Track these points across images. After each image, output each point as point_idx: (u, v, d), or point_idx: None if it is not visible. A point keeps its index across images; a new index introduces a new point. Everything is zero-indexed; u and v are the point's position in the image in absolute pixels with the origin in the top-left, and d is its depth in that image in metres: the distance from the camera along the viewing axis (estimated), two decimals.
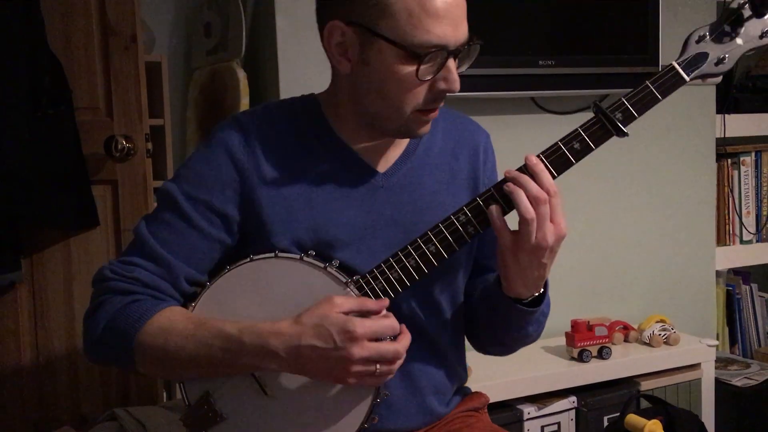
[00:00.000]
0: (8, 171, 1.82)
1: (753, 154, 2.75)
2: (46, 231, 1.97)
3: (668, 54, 2.36)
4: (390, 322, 1.11)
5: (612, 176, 2.45)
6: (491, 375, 2.04)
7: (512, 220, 1.16)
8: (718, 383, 2.37)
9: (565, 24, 2.22)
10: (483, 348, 1.39)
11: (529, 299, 1.22)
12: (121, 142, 1.94)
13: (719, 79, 1.24)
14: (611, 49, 2.25)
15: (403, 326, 1.15)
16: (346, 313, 1.09)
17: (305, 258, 1.16)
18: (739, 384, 2.42)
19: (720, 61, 1.19)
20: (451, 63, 1.14)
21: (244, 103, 2.05)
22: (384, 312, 1.13)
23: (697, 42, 1.19)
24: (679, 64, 1.18)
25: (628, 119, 1.17)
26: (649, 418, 1.94)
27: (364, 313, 1.11)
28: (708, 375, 2.30)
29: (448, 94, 1.16)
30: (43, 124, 1.87)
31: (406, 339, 1.13)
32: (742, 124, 2.73)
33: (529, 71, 2.13)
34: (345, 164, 1.23)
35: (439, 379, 1.31)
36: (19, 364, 1.99)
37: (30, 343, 1.99)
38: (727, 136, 2.67)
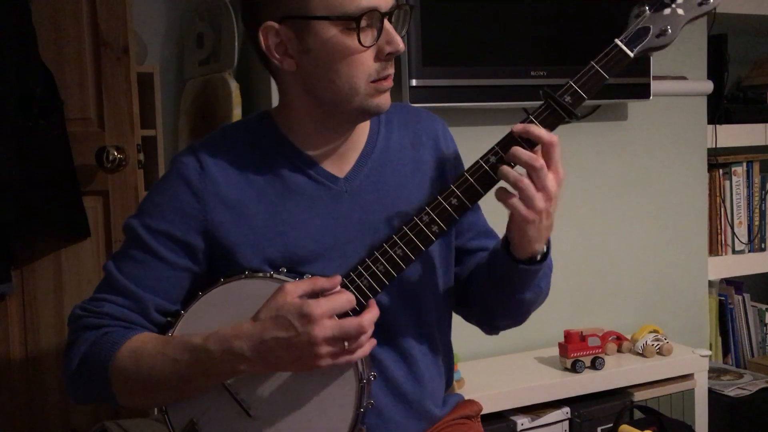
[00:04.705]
0: None
1: (744, 164, 2.76)
2: (36, 242, 1.96)
3: (659, 64, 2.37)
4: (345, 296, 1.12)
5: (604, 186, 2.46)
6: (484, 386, 2.03)
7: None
8: (711, 393, 2.37)
9: (556, 34, 2.22)
10: (496, 326, 1.37)
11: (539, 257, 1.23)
12: (113, 152, 1.94)
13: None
14: None
15: (371, 301, 1.15)
16: (301, 297, 1.10)
17: (275, 275, 1.16)
18: (732, 394, 2.42)
19: (662, 33, 1.18)
20: (389, 25, 1.15)
21: (236, 114, 2.05)
22: (338, 288, 1.13)
23: (638, 16, 1.18)
24: (621, 41, 1.18)
25: (578, 101, 1.17)
26: (642, 429, 1.94)
27: (318, 293, 1.12)
28: (701, 385, 2.30)
29: (395, 55, 1.17)
30: (33, 134, 1.86)
31: (371, 312, 1.13)
32: (733, 135, 2.74)
33: (520, 82, 2.14)
34: (305, 174, 1.23)
35: (426, 382, 1.29)
36: (9, 376, 1.97)
37: (20, 354, 1.98)
38: (718, 146, 2.68)
